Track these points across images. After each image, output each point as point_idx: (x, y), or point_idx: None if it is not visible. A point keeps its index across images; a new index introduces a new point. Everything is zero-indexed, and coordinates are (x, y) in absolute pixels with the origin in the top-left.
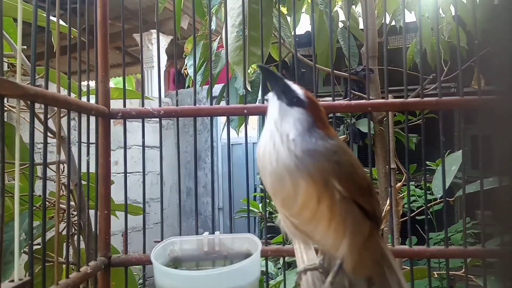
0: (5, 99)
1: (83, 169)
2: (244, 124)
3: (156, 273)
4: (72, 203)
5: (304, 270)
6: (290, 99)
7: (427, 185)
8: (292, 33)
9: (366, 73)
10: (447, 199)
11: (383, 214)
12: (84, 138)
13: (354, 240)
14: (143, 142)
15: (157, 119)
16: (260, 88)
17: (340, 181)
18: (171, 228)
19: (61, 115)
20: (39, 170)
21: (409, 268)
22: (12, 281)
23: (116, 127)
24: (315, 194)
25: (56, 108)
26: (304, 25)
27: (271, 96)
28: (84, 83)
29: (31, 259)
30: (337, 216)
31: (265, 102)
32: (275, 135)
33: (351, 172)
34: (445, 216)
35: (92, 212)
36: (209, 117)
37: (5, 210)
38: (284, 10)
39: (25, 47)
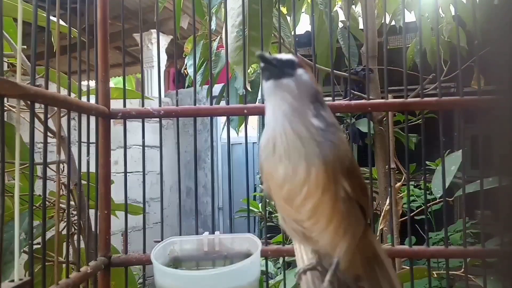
0: (5, 99)
1: (83, 169)
2: (244, 124)
3: (156, 273)
4: (72, 202)
5: (304, 270)
6: (289, 67)
7: (427, 185)
8: (292, 33)
9: (366, 73)
10: (446, 199)
11: (383, 214)
12: (84, 138)
13: (352, 240)
14: (143, 142)
15: (157, 119)
16: (260, 88)
17: (347, 176)
18: (171, 228)
19: (61, 115)
20: (39, 170)
21: (408, 268)
22: (12, 281)
23: (116, 127)
24: (321, 185)
25: (56, 108)
26: (304, 25)
27: (271, 82)
28: (84, 83)
29: (31, 259)
30: (338, 214)
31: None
32: (290, 113)
33: (355, 167)
34: (445, 216)
35: (92, 211)
36: (209, 117)
37: (5, 210)
38: (284, 10)
39: (25, 47)
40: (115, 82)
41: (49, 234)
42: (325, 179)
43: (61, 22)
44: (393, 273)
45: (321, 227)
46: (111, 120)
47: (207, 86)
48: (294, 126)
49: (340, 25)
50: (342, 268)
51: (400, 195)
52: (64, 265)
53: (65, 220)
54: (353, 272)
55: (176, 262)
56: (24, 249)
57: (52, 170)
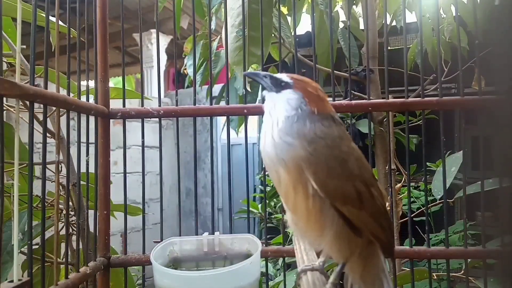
0: (4, 99)
1: (82, 170)
2: (244, 125)
3: (156, 274)
4: (71, 203)
5: (302, 270)
6: (279, 86)
7: (427, 186)
8: (292, 33)
9: (366, 74)
10: (447, 200)
11: None
12: (83, 139)
13: (336, 244)
14: (143, 142)
15: (157, 119)
16: (260, 88)
17: (316, 175)
18: (171, 228)
19: (60, 115)
20: (38, 170)
21: (409, 269)
22: (12, 281)
23: (115, 127)
24: (291, 183)
25: (55, 108)
26: (304, 25)
27: (265, 93)
28: (83, 83)
29: (30, 259)
30: (313, 212)
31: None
32: (267, 123)
33: (332, 169)
34: (446, 217)
35: (91, 212)
36: (208, 117)
37: (4, 210)
38: (284, 10)
39: (24, 46)
40: (114, 82)
41: (47, 235)
42: (291, 177)
43: (60, 22)
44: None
45: (303, 223)
46: (111, 121)
47: (207, 86)
48: (267, 131)
49: (341, 25)
50: (357, 278)
51: (400, 196)
52: (63, 266)
53: (63, 221)
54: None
55: (175, 263)
56: (22, 249)
57: (51, 170)
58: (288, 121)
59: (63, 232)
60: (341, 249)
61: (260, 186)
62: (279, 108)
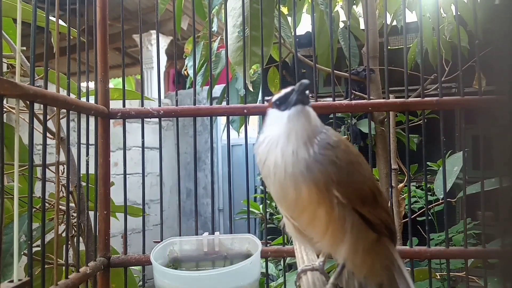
0: (5, 100)
1: (83, 171)
2: (244, 125)
3: (156, 274)
4: (72, 204)
5: (302, 270)
6: (304, 100)
7: (428, 185)
8: (293, 33)
9: (366, 74)
10: (449, 199)
11: None
12: (83, 139)
13: (354, 247)
14: (143, 142)
15: (157, 120)
16: (261, 88)
17: (339, 185)
18: (171, 229)
19: (61, 116)
20: (38, 171)
21: (409, 269)
22: (12, 281)
23: (115, 128)
24: (315, 199)
25: (55, 109)
26: (304, 25)
27: (300, 107)
28: (83, 84)
29: (30, 260)
30: (334, 221)
31: (265, 102)
32: (290, 139)
33: (351, 174)
34: (446, 217)
35: (91, 213)
36: (209, 118)
37: (5, 212)
38: (284, 10)
39: (24, 48)
40: (114, 83)
41: (48, 237)
42: (317, 194)
43: (61, 22)
44: (409, 278)
45: (319, 234)
46: (111, 122)
47: (207, 87)
48: (297, 149)
49: (341, 25)
50: (361, 275)
51: (403, 196)
52: (63, 268)
53: (64, 222)
54: (376, 280)
55: (175, 263)
56: (25, 251)
57: (52, 171)
58: (321, 135)
59: (64, 234)
60: (358, 250)
61: (260, 187)
62: (313, 123)
